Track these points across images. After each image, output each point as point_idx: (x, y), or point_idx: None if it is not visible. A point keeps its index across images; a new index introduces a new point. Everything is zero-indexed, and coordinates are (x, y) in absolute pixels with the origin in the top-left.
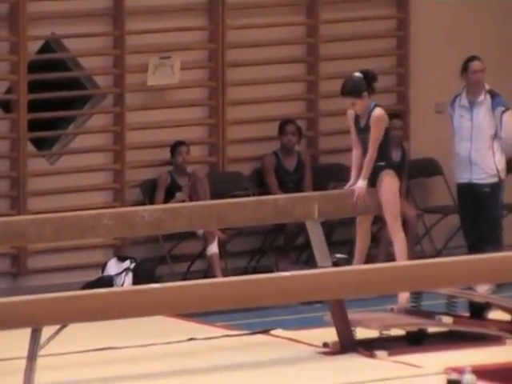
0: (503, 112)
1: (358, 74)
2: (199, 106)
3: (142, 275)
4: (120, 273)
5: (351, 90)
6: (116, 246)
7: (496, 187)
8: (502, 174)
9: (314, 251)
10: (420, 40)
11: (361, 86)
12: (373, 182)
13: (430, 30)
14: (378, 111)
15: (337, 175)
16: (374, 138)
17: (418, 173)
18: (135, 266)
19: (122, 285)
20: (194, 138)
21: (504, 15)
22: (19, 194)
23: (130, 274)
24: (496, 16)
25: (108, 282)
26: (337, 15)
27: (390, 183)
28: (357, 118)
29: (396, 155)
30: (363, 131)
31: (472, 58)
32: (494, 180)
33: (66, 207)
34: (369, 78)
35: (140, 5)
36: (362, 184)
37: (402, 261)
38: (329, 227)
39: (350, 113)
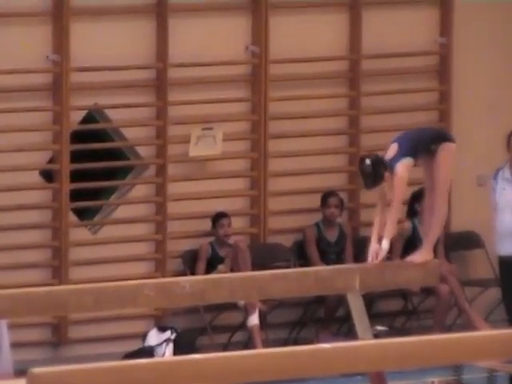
0: None
1: (368, 163)
2: (241, 177)
3: (182, 346)
4: (161, 343)
5: (374, 181)
6: (157, 316)
7: None
8: None
9: (354, 323)
10: (462, 113)
11: (379, 172)
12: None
13: (471, 102)
14: (399, 172)
15: None
16: (397, 196)
17: (458, 246)
18: (176, 337)
19: (163, 355)
20: (235, 209)
21: None
22: (61, 263)
23: (171, 345)
24: None
25: (149, 352)
26: (379, 88)
27: (447, 158)
28: None
29: None
30: None
31: None
32: None
33: (108, 277)
34: (376, 159)
35: (183, 76)
36: (385, 245)
37: (433, 235)
38: (369, 299)
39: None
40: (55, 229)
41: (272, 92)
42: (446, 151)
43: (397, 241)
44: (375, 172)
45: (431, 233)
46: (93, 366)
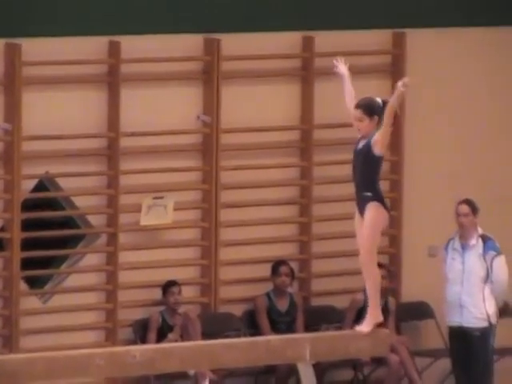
0: (494, 257)
1: (378, 99)
2: (192, 246)
3: None
4: None
5: (367, 105)
6: None
7: (486, 332)
8: (493, 319)
9: None
10: (413, 183)
11: (376, 109)
12: (361, 212)
13: (422, 173)
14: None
15: (329, 317)
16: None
17: (409, 316)
18: None
19: None
20: (186, 279)
21: (497, 158)
22: (11, 332)
23: None
24: (490, 159)
25: None
26: (330, 157)
27: (374, 216)
28: (357, 142)
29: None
30: (359, 153)
31: (460, 202)
32: (485, 324)
33: (59, 346)
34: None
35: (134, 145)
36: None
37: (374, 298)
38: (320, 369)
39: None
40: (5, 298)
41: (223, 161)
42: (375, 209)
43: (349, 311)
44: (376, 105)
45: (370, 298)
46: None
